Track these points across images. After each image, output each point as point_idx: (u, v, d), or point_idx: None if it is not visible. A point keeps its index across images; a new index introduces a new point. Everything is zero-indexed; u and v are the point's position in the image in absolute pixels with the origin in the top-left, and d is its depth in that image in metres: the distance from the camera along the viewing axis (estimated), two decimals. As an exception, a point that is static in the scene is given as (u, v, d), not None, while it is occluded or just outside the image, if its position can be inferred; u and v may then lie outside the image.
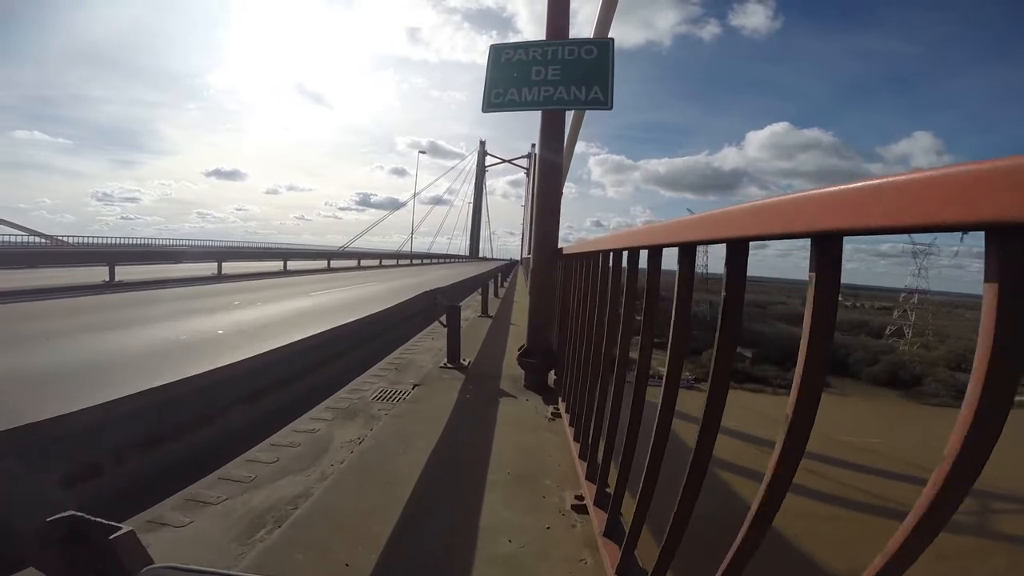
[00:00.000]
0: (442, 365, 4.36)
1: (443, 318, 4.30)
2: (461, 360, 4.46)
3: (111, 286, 10.11)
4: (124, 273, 11.52)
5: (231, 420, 1.42)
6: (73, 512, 0.57)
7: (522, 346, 3.91)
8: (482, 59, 4.42)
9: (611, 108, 3.81)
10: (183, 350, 4.86)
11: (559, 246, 3.81)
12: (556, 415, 3.16)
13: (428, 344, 5.50)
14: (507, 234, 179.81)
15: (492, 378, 4.09)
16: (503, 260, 52.18)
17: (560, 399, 3.30)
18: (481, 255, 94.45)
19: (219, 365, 1.39)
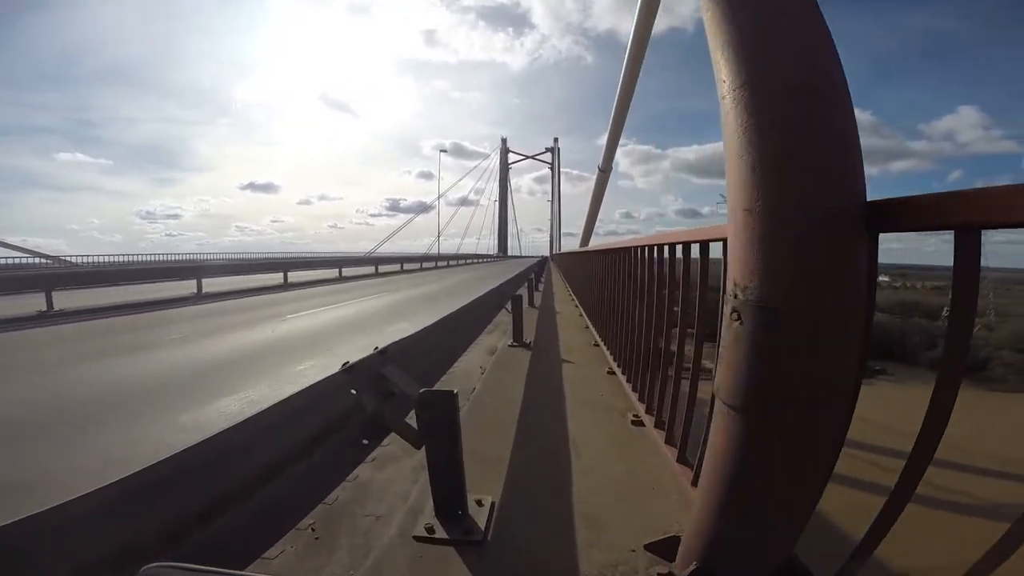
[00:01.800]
0: (421, 534, 1.76)
1: (412, 419, 1.70)
2: (476, 503, 1.87)
3: (47, 316, 8.04)
4: (87, 298, 9.58)
5: None
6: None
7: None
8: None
9: None
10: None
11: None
12: None
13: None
14: (535, 231, 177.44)
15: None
16: (533, 257, 49.47)
17: None
18: (510, 253, 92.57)
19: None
